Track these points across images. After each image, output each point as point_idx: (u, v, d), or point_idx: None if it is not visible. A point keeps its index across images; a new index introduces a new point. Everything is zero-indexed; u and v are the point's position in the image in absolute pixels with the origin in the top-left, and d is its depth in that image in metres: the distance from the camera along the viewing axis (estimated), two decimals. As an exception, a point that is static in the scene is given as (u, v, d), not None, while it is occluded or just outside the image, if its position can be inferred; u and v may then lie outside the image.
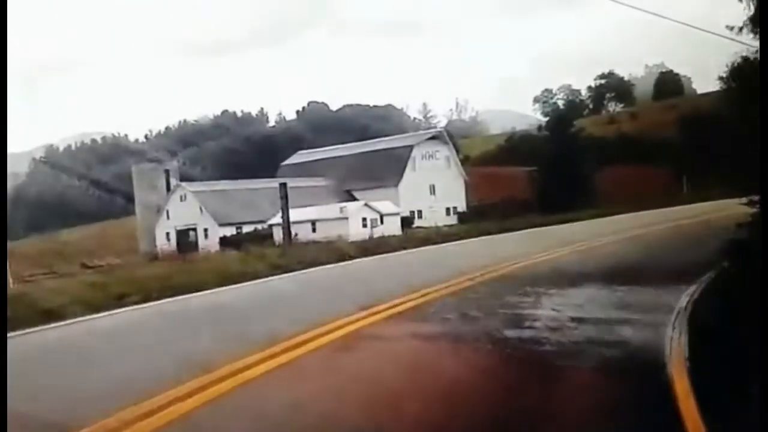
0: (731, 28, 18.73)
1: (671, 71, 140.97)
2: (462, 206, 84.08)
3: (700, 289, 13.78)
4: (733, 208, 18.57)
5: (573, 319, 11.91)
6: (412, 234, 50.05)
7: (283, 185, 43.51)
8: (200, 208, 76.73)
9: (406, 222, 72.89)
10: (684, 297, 12.98)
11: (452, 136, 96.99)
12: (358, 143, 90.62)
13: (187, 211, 78.07)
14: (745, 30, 18.52)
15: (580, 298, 13.98)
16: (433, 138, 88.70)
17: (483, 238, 30.40)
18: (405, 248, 27.37)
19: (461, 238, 30.98)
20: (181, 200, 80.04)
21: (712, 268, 15.37)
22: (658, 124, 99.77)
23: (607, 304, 13.50)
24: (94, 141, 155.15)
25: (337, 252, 24.94)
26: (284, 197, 42.39)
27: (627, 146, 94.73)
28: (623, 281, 15.66)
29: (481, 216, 68.46)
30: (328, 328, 11.16)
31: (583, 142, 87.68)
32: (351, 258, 23.64)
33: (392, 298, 13.95)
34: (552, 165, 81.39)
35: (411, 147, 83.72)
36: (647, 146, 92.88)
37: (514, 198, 77.62)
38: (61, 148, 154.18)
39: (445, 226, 67.95)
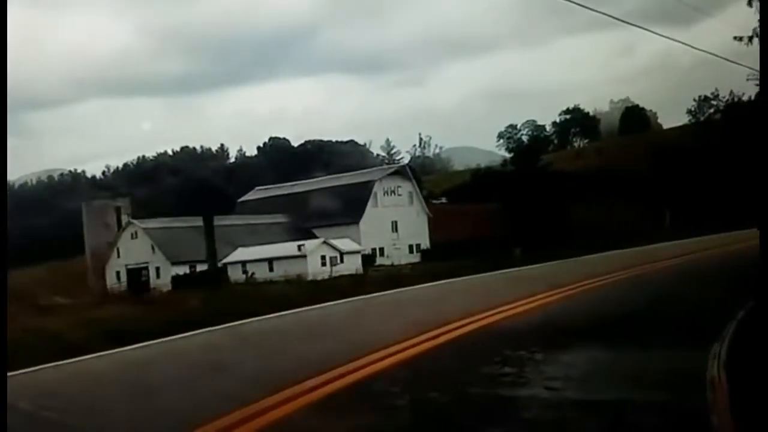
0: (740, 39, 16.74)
1: (637, 106, 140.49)
2: (426, 243, 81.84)
3: (726, 346, 9.91)
4: (728, 244, 16.95)
5: (576, 405, 7.92)
6: (371, 275, 47.37)
7: (209, 220, 40.38)
8: (152, 246, 73.83)
9: (368, 260, 70.92)
10: (712, 361, 9.09)
11: (416, 173, 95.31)
12: (318, 179, 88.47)
13: (139, 249, 75.19)
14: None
15: (580, 367, 9.74)
16: (395, 173, 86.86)
17: (452, 280, 27.37)
18: (360, 294, 23.68)
19: (428, 279, 27.95)
20: (132, 238, 77.18)
21: (729, 314, 12.22)
22: (626, 159, 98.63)
23: (617, 376, 9.40)
24: (51, 178, 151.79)
25: (275, 299, 21.76)
26: (209, 233, 39.38)
27: (597, 181, 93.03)
28: (627, 338, 11.45)
29: (446, 254, 66.33)
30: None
31: (551, 177, 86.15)
32: (291, 307, 19.91)
33: (304, 379, 8.82)
34: (520, 201, 79.84)
35: (372, 182, 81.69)
36: (618, 181, 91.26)
37: (482, 235, 75.28)
38: (17, 186, 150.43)
39: (409, 264, 66.06)
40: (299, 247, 67.24)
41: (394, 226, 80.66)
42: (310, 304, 19.79)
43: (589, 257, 35.25)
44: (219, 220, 73.99)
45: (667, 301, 17.10)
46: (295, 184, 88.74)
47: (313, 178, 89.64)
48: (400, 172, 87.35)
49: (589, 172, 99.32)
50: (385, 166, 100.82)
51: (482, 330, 13.07)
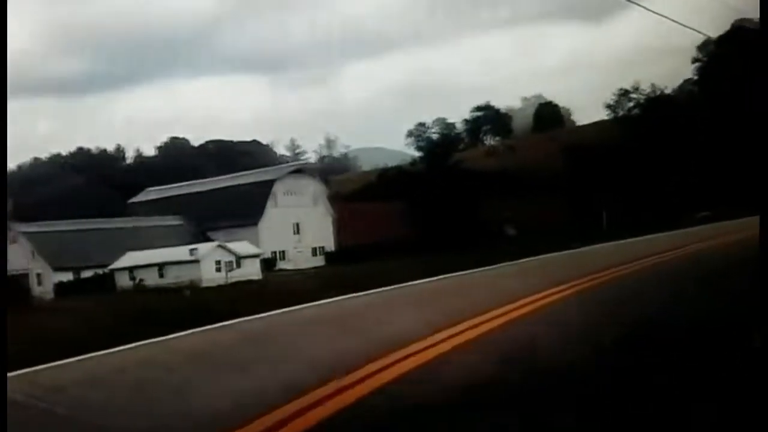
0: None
1: (550, 102, 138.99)
2: (330, 246, 78.22)
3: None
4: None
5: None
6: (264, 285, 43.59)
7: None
8: (32, 252, 68.63)
9: (268, 264, 67.30)
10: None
11: (321, 173, 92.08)
12: (214, 179, 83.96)
13: (18, 254, 69.75)
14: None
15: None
16: (296, 172, 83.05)
17: (363, 296, 22.26)
18: (235, 314, 18.32)
19: (333, 292, 22.71)
20: (11, 243, 71.63)
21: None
22: (539, 156, 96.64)
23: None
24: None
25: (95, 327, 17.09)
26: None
27: (510, 179, 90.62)
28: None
29: (353, 257, 63.33)
30: None
31: (462, 176, 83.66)
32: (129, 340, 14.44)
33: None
34: (429, 200, 77.09)
35: (272, 182, 77.74)
36: (533, 178, 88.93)
37: (390, 236, 71.97)
38: None
39: (314, 268, 63.21)
40: (191, 251, 63.05)
41: (296, 228, 77.02)
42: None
43: (523, 263, 31.19)
44: (107, 223, 69.79)
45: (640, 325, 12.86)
46: (190, 184, 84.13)
47: (207, 178, 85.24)
48: (302, 171, 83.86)
49: (504, 170, 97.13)
50: (286, 165, 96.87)
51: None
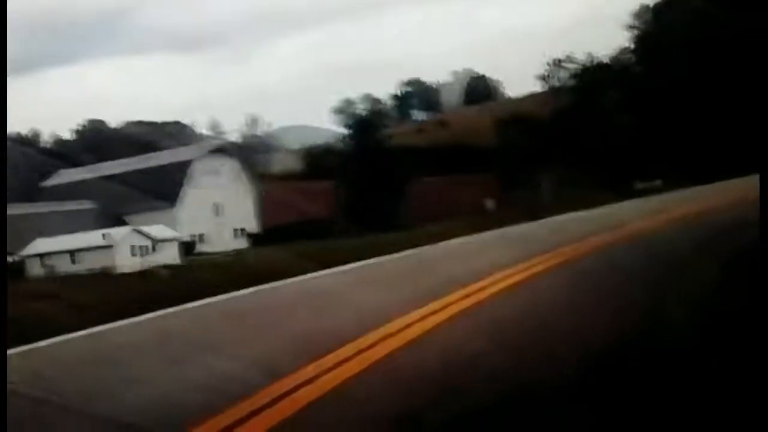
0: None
1: (482, 76, 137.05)
2: (253, 227, 75.24)
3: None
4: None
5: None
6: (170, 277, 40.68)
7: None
8: (-75, 241, 64.61)
9: (188, 248, 64.31)
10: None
11: (243, 152, 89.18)
12: (130, 160, 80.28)
13: None
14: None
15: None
16: (216, 151, 79.92)
17: (292, 283, 19.42)
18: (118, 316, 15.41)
19: (252, 279, 19.87)
20: None
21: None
22: (472, 130, 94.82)
23: None
24: None
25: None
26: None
27: (442, 155, 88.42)
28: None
29: (277, 238, 60.70)
30: None
31: (391, 153, 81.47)
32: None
33: None
34: (358, 179, 74.85)
35: (190, 162, 74.51)
36: (467, 154, 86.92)
37: (317, 215, 69.54)
38: None
39: (235, 251, 60.68)
40: (104, 236, 60.06)
41: (217, 210, 73.93)
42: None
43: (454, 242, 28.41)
44: (17, 209, 66.17)
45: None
46: (104, 167, 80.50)
47: (121, 160, 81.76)
48: (222, 150, 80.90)
49: (436, 145, 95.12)
50: (204, 144, 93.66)
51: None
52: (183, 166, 73.62)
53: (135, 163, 77.97)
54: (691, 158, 68.37)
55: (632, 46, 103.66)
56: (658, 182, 66.34)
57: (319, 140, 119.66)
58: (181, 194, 71.62)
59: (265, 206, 77.87)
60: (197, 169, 74.82)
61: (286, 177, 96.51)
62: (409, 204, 71.67)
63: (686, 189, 48.40)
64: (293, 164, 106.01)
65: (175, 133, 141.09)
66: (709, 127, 71.44)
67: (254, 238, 71.54)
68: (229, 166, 78.05)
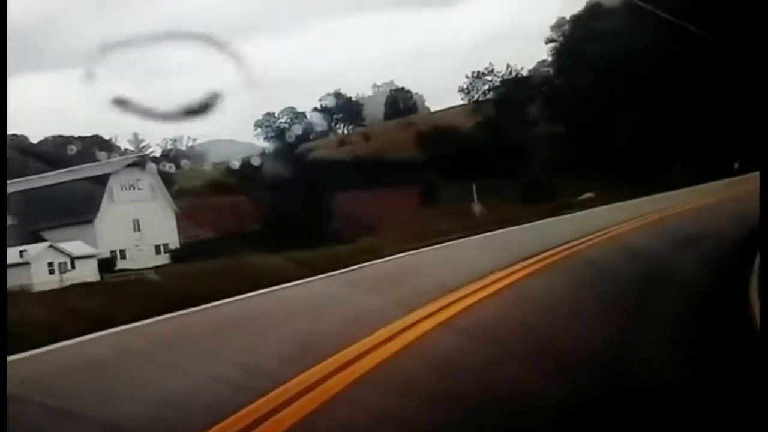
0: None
1: (403, 89, 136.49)
2: (175, 243, 73.93)
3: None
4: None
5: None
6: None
7: None
8: None
9: (107, 264, 63.03)
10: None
11: (166, 166, 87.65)
12: (47, 174, 78.35)
13: None
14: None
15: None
16: (133, 165, 78.24)
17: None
18: None
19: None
20: None
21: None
22: (395, 143, 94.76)
23: None
24: None
25: None
26: None
27: (365, 168, 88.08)
28: None
29: (198, 253, 59.81)
30: None
31: (312, 166, 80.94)
32: None
33: None
34: (279, 193, 74.03)
35: (107, 176, 72.92)
36: (389, 167, 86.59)
37: (239, 230, 68.55)
38: None
39: (155, 268, 59.46)
40: (21, 253, 58.46)
41: (137, 225, 72.48)
42: None
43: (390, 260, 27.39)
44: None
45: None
46: (21, 181, 78.34)
47: (37, 175, 79.77)
48: (139, 164, 79.19)
49: (358, 158, 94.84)
50: (122, 158, 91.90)
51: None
52: (100, 180, 71.96)
53: (52, 178, 76.21)
54: (623, 171, 68.69)
55: (550, 58, 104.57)
56: (590, 195, 66.27)
57: (243, 154, 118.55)
58: (99, 209, 70.06)
59: (186, 221, 76.58)
60: (116, 183, 73.30)
61: (209, 191, 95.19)
62: (331, 218, 71.05)
63: (621, 203, 48.08)
64: (216, 178, 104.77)
65: (95, 147, 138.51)
66: (634, 139, 71.99)
67: (176, 254, 70.42)
68: (148, 181, 76.51)
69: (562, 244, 22.17)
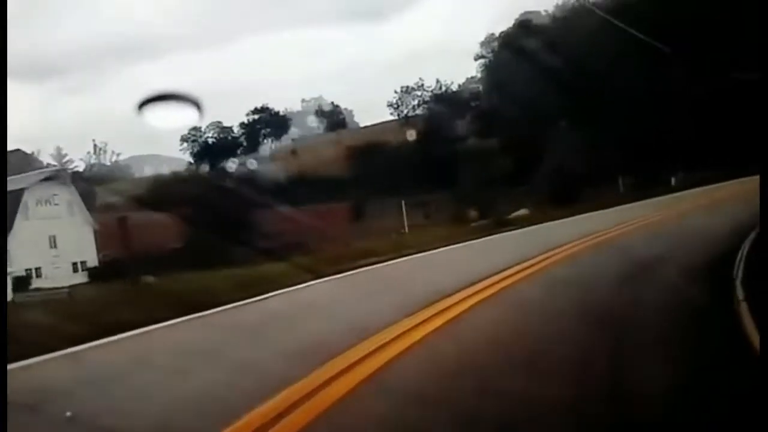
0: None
1: (332, 104, 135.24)
2: (93, 260, 71.43)
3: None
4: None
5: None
6: None
7: None
8: None
9: (22, 283, 60.39)
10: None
11: (86, 181, 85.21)
12: (-41, 189, 75.57)
13: None
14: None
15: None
16: (49, 179, 75.66)
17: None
18: None
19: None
20: None
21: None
22: (324, 159, 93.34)
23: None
24: None
25: None
26: None
27: (293, 184, 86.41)
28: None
29: (118, 272, 57.81)
30: None
31: (239, 182, 79.04)
32: None
33: None
34: (204, 209, 71.83)
35: (21, 191, 70.07)
36: (318, 183, 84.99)
37: (160, 249, 66.47)
38: None
39: (69, 288, 56.85)
40: (-75, 271, 55.36)
41: (53, 241, 69.82)
42: None
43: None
44: None
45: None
46: (-69, 197, 75.69)
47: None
48: (55, 178, 76.52)
49: (286, 174, 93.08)
50: (36, 172, 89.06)
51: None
52: (14, 195, 69.30)
53: (-39, 193, 73.75)
54: (559, 187, 67.77)
55: (479, 75, 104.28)
56: (524, 211, 64.83)
57: (169, 169, 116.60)
58: (12, 225, 67.35)
59: (107, 238, 74.17)
60: (31, 198, 70.61)
61: (132, 207, 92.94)
62: (256, 235, 69.06)
63: (558, 221, 46.27)
64: (139, 194, 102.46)
65: (15, 162, 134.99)
66: (569, 156, 71.24)
67: (94, 272, 68.02)
68: (66, 196, 74.05)
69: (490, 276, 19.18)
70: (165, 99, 8.76)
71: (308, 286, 22.88)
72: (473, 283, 17.64)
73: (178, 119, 9.18)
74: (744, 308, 10.79)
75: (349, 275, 25.85)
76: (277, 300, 20.66)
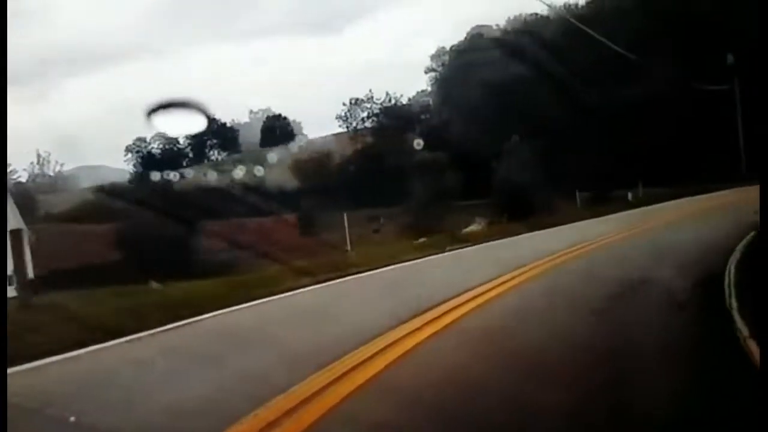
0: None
1: (280, 116, 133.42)
2: (29, 273, 68.52)
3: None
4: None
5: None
6: None
7: None
8: None
9: None
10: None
11: (29, 192, 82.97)
12: None
13: None
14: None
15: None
16: (-14, 189, 72.41)
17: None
18: None
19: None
20: None
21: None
22: (272, 171, 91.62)
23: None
24: None
25: None
26: None
27: (239, 195, 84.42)
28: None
29: (54, 285, 55.16)
30: None
31: (185, 193, 77.10)
32: None
33: None
34: (147, 220, 69.75)
35: (-48, 200, 66.67)
36: (267, 194, 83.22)
37: (98, 261, 64.25)
38: None
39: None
40: None
41: (-17, 253, 66.88)
42: None
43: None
44: None
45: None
46: None
47: None
48: (-6, 188, 73.74)
49: (232, 185, 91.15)
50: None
51: None
52: (-59, 206, 66.62)
53: None
54: (508, 202, 66.29)
55: (430, 88, 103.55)
56: (476, 227, 62.94)
57: (112, 180, 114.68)
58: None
59: (44, 249, 71.57)
60: (-38, 208, 67.53)
61: (72, 218, 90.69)
62: (200, 247, 67.13)
63: (514, 237, 44.30)
64: (81, 205, 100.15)
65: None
66: (519, 169, 70.08)
67: (29, 285, 65.23)
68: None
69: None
70: (172, 106, 8.71)
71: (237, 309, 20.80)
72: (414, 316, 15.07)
73: (186, 126, 9.41)
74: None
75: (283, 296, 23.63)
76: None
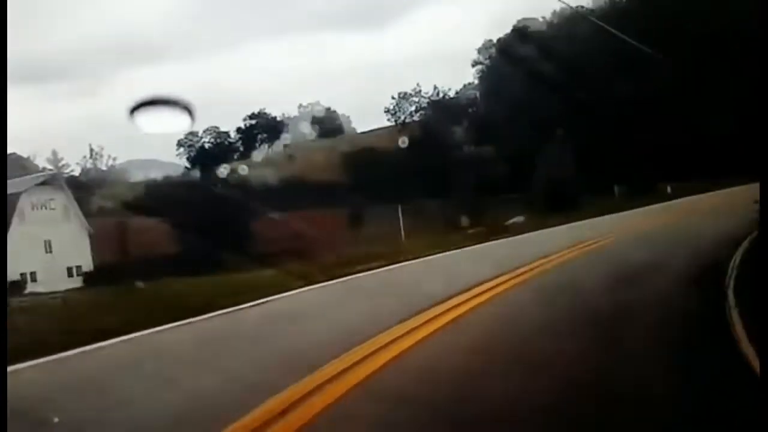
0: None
1: (329, 109, 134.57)
2: (89, 265, 71.19)
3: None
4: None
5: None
6: None
7: None
8: None
9: (17, 287, 60.18)
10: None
11: (83, 186, 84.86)
12: (-45, 192, 75.45)
13: None
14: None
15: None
16: (45, 184, 75.73)
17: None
18: None
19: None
20: None
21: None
22: (321, 165, 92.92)
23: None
24: None
25: None
26: None
27: (289, 190, 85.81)
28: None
29: (114, 277, 57.37)
30: None
31: (235, 187, 78.62)
32: None
33: None
34: (200, 214, 71.34)
35: (17, 195, 69.96)
36: (314, 189, 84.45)
37: (157, 254, 66.13)
38: None
39: (63, 292, 56.37)
40: None
41: (48, 246, 69.65)
42: None
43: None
44: None
45: None
46: (-75, 200, 75.58)
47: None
48: (50, 182, 76.34)
49: (282, 180, 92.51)
50: (33, 176, 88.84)
51: None
52: (10, 199, 69.18)
53: (-40, 196, 73.64)
54: (550, 195, 67.46)
55: (476, 81, 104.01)
56: (520, 218, 64.21)
57: (165, 174, 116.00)
58: (8, 229, 67.24)
59: (101, 242, 73.88)
60: (27, 203, 70.63)
61: (127, 212, 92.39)
62: (253, 241, 68.74)
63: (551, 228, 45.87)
64: (135, 199, 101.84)
65: (11, 165, 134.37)
66: (561, 163, 71.09)
67: (89, 277, 67.64)
68: (61, 201, 73.89)
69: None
70: (157, 104, 8.69)
71: (301, 292, 22.60)
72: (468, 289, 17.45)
73: (169, 124, 9.00)
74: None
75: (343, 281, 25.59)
76: (271, 305, 20.35)
